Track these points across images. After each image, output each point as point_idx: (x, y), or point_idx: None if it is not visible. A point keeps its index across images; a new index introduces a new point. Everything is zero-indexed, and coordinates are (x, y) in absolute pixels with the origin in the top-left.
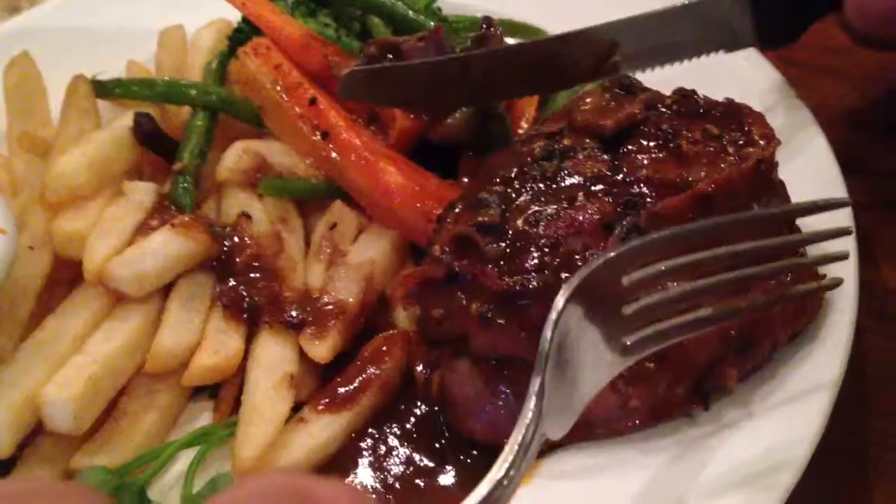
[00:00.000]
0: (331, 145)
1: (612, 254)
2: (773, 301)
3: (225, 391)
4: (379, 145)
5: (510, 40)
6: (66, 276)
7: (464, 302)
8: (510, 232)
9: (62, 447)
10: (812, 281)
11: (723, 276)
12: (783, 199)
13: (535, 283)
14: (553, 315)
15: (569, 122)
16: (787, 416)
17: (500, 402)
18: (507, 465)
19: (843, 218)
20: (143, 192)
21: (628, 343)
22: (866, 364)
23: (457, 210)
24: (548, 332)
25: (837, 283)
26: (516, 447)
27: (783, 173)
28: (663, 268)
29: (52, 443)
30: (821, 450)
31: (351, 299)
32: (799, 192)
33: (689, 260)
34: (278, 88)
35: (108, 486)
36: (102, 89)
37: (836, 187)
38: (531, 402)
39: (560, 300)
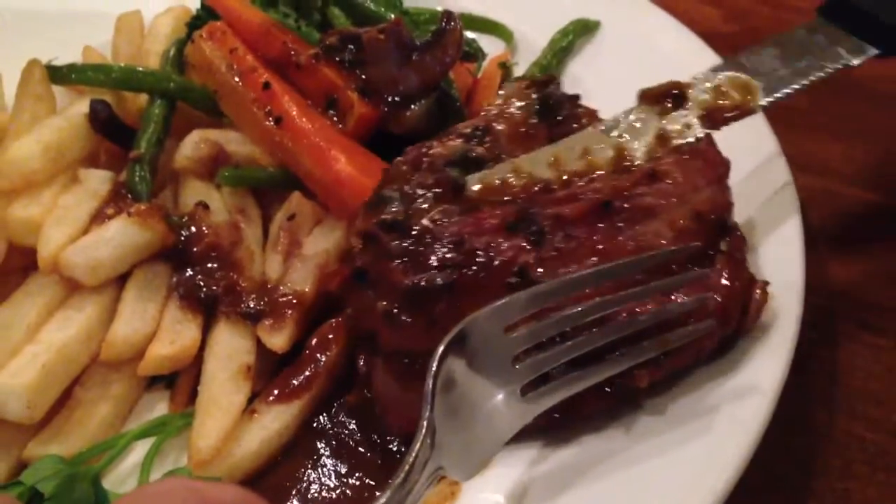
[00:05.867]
0: (283, 131)
1: (492, 306)
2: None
3: (181, 381)
4: (333, 132)
5: (469, 34)
6: (19, 264)
7: (371, 300)
8: (414, 229)
9: (16, 436)
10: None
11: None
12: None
13: (439, 279)
14: (433, 365)
15: (486, 129)
16: (732, 412)
17: (413, 399)
18: (386, 496)
19: (791, 218)
20: (98, 180)
21: (526, 397)
22: (811, 360)
23: (365, 206)
24: (429, 381)
25: (709, 326)
26: (401, 477)
27: (733, 170)
28: (543, 323)
29: (5, 431)
30: (763, 444)
31: (307, 289)
32: (750, 199)
33: (569, 313)
34: (233, 72)
35: (62, 475)
36: (57, 75)
37: (784, 184)
38: (419, 437)
39: (440, 348)
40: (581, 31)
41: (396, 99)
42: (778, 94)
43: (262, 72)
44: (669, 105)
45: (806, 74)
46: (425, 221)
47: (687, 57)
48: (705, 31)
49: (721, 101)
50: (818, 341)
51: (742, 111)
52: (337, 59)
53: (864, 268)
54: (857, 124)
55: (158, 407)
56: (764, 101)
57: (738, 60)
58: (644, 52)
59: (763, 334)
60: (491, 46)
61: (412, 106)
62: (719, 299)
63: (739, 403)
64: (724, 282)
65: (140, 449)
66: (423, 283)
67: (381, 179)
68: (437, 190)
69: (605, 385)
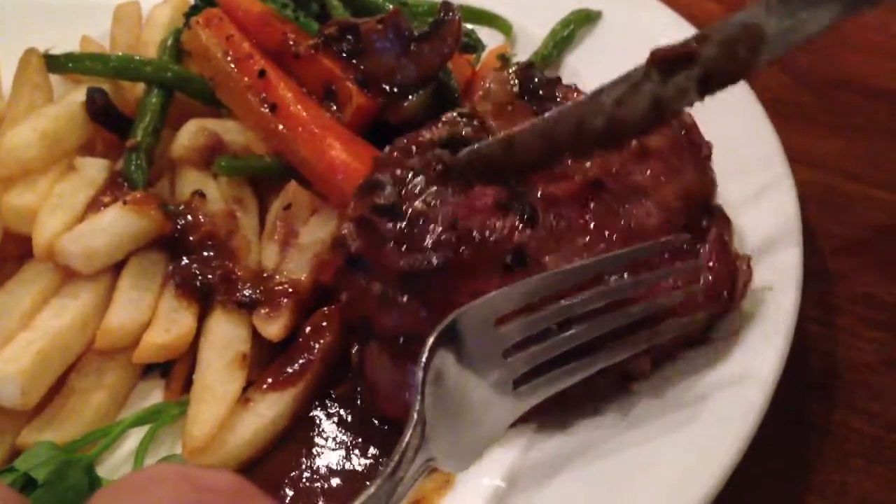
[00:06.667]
0: (279, 118)
1: (481, 299)
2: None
3: (176, 370)
4: (327, 120)
5: (468, 26)
6: (15, 252)
7: (365, 284)
8: (407, 212)
9: (9, 423)
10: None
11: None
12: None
13: (434, 260)
14: (423, 356)
15: (470, 113)
16: (728, 401)
17: (407, 381)
18: (373, 488)
19: (788, 206)
20: (95, 168)
21: (518, 390)
22: (809, 354)
23: (356, 193)
24: (419, 373)
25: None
26: (391, 467)
27: (732, 163)
28: (533, 317)
29: None
30: (761, 438)
31: (303, 278)
32: (748, 192)
33: (561, 306)
34: (228, 59)
35: (56, 462)
36: (55, 63)
37: (782, 179)
38: (409, 428)
39: (430, 340)
40: (582, 22)
41: (394, 89)
42: (778, 51)
43: (258, 59)
44: (676, 67)
45: (807, 26)
46: (418, 204)
47: None
48: (706, 26)
49: (724, 62)
50: (816, 334)
51: (738, 73)
52: (335, 49)
53: (863, 261)
54: (856, 119)
55: (153, 395)
56: (762, 61)
57: (763, 4)
58: (645, 45)
59: (760, 325)
60: (490, 39)
61: (410, 96)
62: (709, 280)
63: (736, 393)
64: (711, 264)
65: (134, 437)
66: (418, 265)
67: (372, 167)
68: (427, 172)
69: (597, 374)
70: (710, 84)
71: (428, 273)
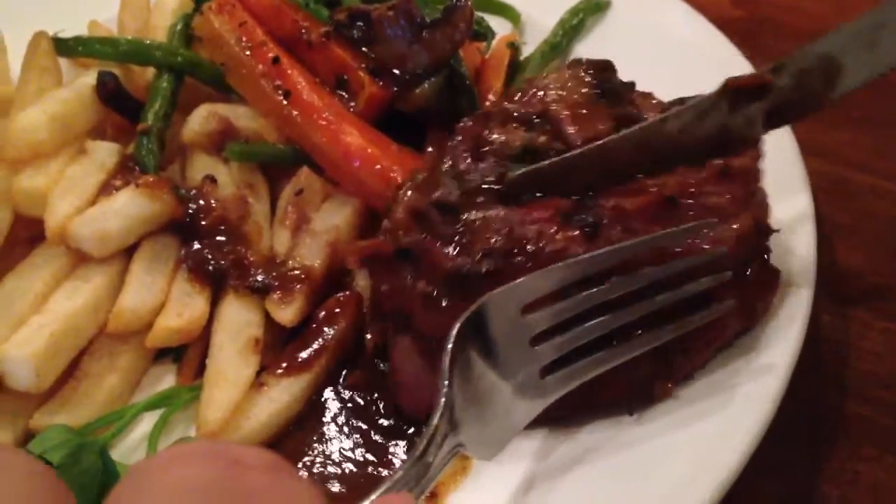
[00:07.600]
0: (293, 105)
1: (508, 286)
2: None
3: (189, 354)
4: (341, 108)
5: (478, 14)
6: (25, 235)
7: (410, 279)
8: (466, 213)
9: (23, 405)
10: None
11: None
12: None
13: (483, 267)
14: (450, 342)
15: (544, 114)
16: (744, 391)
17: (433, 380)
18: (402, 472)
19: (801, 201)
20: (105, 152)
21: (545, 379)
22: (821, 344)
23: (416, 182)
24: (446, 359)
25: (730, 305)
26: (420, 450)
27: None
28: (561, 305)
29: (12, 401)
30: (773, 426)
31: (316, 264)
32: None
33: (589, 293)
34: (242, 46)
35: (70, 445)
36: (64, 47)
37: (797, 173)
38: (437, 412)
39: (457, 325)
40: (591, 10)
41: (406, 77)
42: (852, 84)
43: (272, 46)
44: (749, 99)
45: (889, 57)
46: (478, 208)
47: (697, 41)
48: (714, 16)
49: (797, 94)
50: (829, 325)
51: (811, 106)
52: (346, 36)
53: (875, 253)
54: (864, 111)
55: (166, 379)
56: (837, 93)
57: (842, 33)
58: (654, 34)
59: (775, 315)
60: (499, 27)
61: (422, 84)
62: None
63: (752, 382)
64: (755, 283)
65: (147, 421)
66: (467, 269)
67: (435, 156)
68: (497, 185)
69: (624, 391)
70: (779, 116)
71: (476, 278)
